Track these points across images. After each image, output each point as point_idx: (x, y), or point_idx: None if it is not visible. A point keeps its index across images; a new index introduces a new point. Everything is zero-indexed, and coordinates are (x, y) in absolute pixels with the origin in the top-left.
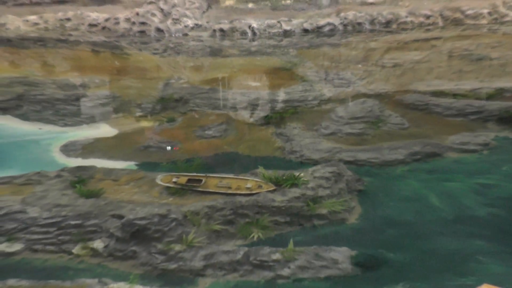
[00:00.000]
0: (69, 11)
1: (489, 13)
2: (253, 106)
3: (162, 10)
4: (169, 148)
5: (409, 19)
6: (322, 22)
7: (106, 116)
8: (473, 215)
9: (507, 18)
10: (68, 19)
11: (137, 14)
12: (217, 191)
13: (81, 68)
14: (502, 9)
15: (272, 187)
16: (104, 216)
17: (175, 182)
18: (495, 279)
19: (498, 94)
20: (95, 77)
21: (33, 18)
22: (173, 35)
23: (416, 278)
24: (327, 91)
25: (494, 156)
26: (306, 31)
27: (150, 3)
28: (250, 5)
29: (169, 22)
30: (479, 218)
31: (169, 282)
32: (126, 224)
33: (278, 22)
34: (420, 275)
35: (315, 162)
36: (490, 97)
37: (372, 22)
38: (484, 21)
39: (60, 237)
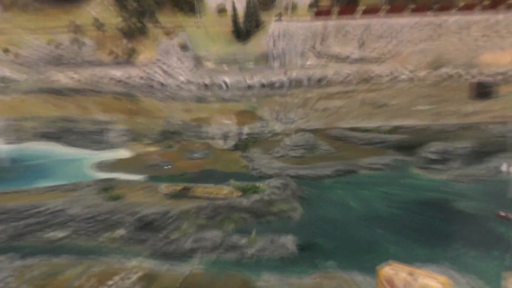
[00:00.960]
0: (98, 69)
1: (390, 73)
2: (226, 137)
3: (163, 70)
4: (164, 167)
5: (334, 77)
6: (274, 79)
7: (123, 144)
8: (379, 214)
9: (402, 77)
10: (97, 75)
11: (146, 72)
12: (202, 195)
13: (106, 110)
14: (399, 70)
15: (240, 194)
16: (123, 213)
17: (173, 190)
18: (394, 258)
19: (395, 130)
20: (116, 116)
21: (73, 74)
22: (171, 87)
23: (339, 257)
24: (278, 127)
25: (394, 172)
26: (263, 85)
27: (155, 64)
28: (225, 67)
29: (168, 78)
30: (383, 216)
31: (169, 258)
32: (139, 218)
33: (244, 78)
34: (343, 255)
35: (270, 176)
36: (389, 131)
37: (308, 79)
38: (386, 79)
39: (93, 227)
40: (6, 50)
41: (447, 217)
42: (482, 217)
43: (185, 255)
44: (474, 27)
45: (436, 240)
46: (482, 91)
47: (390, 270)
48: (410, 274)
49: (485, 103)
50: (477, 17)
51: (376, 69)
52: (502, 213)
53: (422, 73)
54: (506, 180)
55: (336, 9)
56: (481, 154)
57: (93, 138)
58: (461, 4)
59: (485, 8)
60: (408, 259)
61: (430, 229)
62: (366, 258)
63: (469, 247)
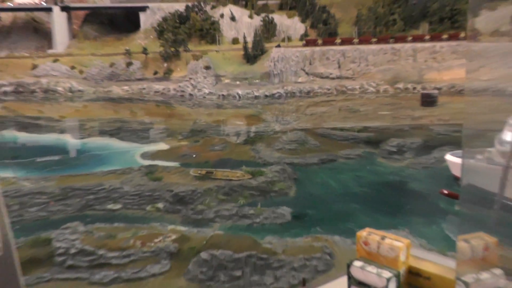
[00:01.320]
0: (144, 84)
1: (360, 87)
2: (238, 134)
3: (192, 84)
4: (193, 156)
5: (319, 90)
6: (274, 91)
7: (162, 139)
8: (353, 191)
9: (369, 90)
10: (143, 88)
11: (179, 86)
12: (221, 177)
13: (150, 114)
14: (366, 86)
15: (250, 176)
16: (163, 190)
17: (199, 173)
18: (365, 225)
19: (365, 129)
20: (157, 119)
21: (125, 87)
22: (197, 97)
23: (323, 224)
24: (277, 127)
25: (363, 161)
26: (266, 96)
27: (186, 81)
28: (238, 82)
29: (195, 90)
30: (356, 193)
31: (196, 225)
32: (174, 194)
33: (252, 91)
34: (325, 222)
35: (271, 163)
36: (360, 131)
37: (300, 91)
38: (357, 92)
39: (140, 201)
40: (81, 72)
41: (403, 194)
42: (428, 194)
43: (208, 222)
44: (421, 54)
45: (395, 211)
46: (428, 100)
47: (366, 234)
48: (382, 237)
49: (429, 109)
50: (425, 45)
51: (350, 84)
52: (445, 191)
53: (384, 87)
54: (447, 166)
55: (320, 40)
56: (428, 147)
57: (140, 134)
58: (409, 38)
59: (429, 40)
60: (375, 226)
61: (391, 203)
62: (343, 225)
63: (419, 217)
